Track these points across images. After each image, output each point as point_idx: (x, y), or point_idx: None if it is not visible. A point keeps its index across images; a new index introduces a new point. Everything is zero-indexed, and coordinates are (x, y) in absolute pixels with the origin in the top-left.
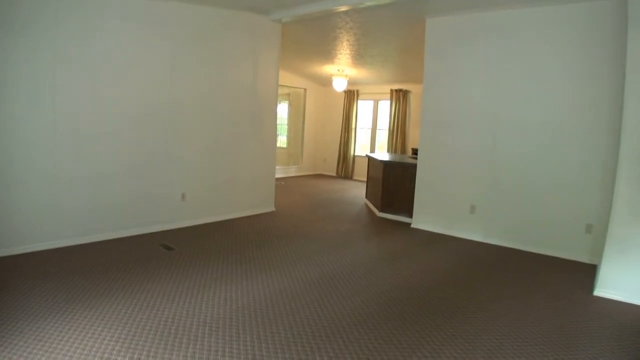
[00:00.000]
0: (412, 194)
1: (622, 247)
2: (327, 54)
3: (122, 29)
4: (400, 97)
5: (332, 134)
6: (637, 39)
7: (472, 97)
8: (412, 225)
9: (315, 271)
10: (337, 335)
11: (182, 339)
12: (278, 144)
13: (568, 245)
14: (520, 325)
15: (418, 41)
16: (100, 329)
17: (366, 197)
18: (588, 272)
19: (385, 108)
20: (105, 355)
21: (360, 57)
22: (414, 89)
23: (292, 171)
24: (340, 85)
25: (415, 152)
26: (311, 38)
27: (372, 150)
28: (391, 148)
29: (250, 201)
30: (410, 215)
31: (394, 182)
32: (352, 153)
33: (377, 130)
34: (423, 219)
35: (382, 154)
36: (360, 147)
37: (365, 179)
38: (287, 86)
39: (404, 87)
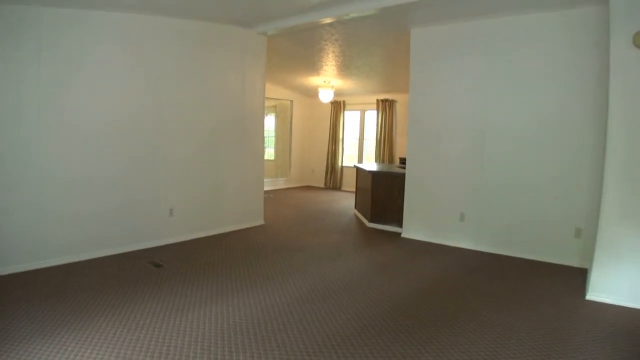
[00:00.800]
0: (402, 203)
1: (612, 250)
2: (313, 65)
3: (107, 43)
4: (386, 107)
5: (319, 145)
6: (619, 44)
7: (458, 105)
8: (402, 235)
9: (307, 285)
10: (332, 350)
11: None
12: (266, 157)
13: (558, 250)
14: (515, 333)
15: (403, 51)
16: (89, 351)
17: (355, 208)
18: (579, 277)
19: (372, 118)
20: None
21: (345, 68)
22: (400, 98)
23: (281, 183)
24: (326, 96)
25: (403, 161)
26: (297, 50)
27: (360, 160)
28: (379, 158)
29: (239, 215)
30: (400, 225)
31: (383, 192)
32: (340, 164)
33: (365, 141)
34: (413, 229)
35: (370, 164)
36: (348, 158)
37: (353, 190)
38: (273, 98)
39: (390, 97)
